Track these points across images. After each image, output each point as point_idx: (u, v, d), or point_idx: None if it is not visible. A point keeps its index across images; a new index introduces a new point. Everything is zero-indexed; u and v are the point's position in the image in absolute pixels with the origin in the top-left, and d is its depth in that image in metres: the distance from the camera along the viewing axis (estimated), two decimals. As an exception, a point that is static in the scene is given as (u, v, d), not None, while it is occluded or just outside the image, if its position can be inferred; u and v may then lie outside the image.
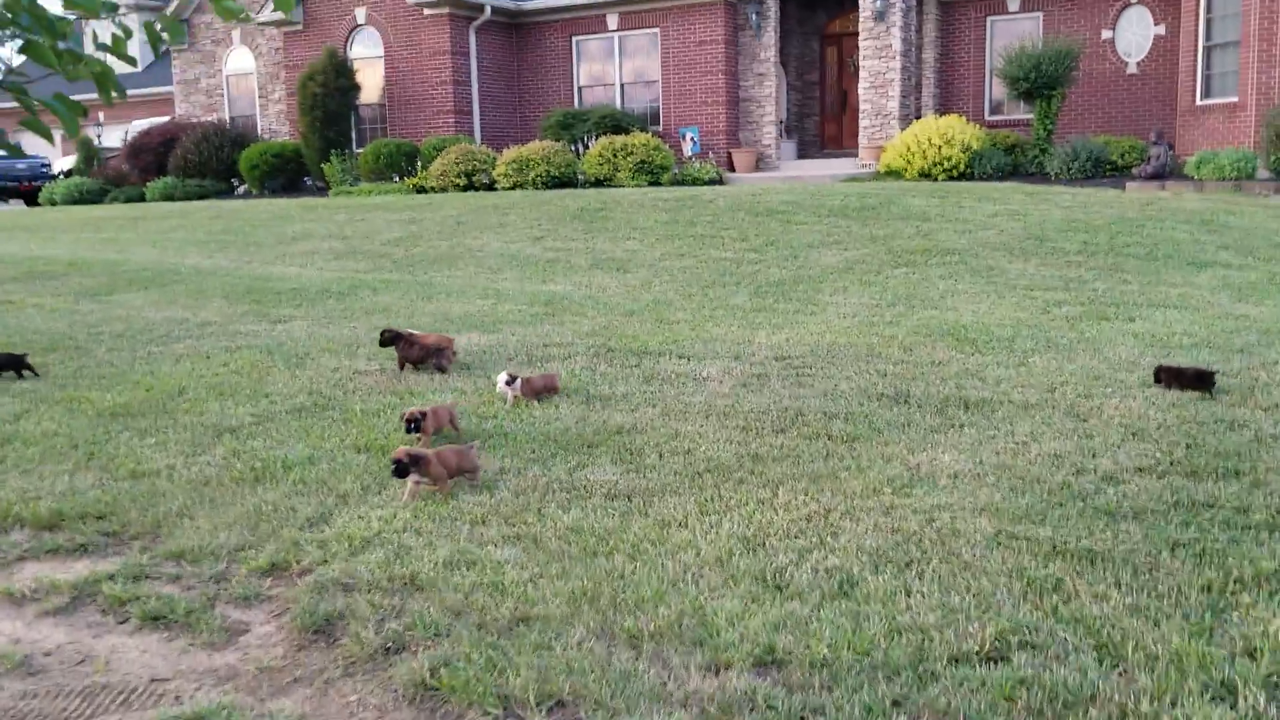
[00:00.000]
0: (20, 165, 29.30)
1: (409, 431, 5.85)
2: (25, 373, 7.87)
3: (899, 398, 6.61)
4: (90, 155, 28.78)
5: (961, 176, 19.68)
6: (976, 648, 3.45)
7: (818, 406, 6.48)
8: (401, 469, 5.06)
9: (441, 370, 7.78)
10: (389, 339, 7.82)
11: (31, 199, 28.08)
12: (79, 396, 7.25)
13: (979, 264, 11.88)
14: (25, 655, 3.81)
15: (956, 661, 3.39)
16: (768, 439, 5.89)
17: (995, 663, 3.39)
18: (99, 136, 32.00)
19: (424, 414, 5.88)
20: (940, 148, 19.81)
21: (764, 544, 4.40)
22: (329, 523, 4.88)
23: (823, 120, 26.37)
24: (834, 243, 13.65)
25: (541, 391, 6.91)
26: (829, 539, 4.42)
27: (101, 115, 37.85)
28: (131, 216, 20.84)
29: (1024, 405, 6.35)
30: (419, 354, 7.81)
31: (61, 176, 29.29)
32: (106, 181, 27.09)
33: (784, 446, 5.73)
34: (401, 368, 7.83)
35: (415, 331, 8.16)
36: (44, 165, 30.19)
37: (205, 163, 25.41)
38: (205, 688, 3.58)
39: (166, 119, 29.82)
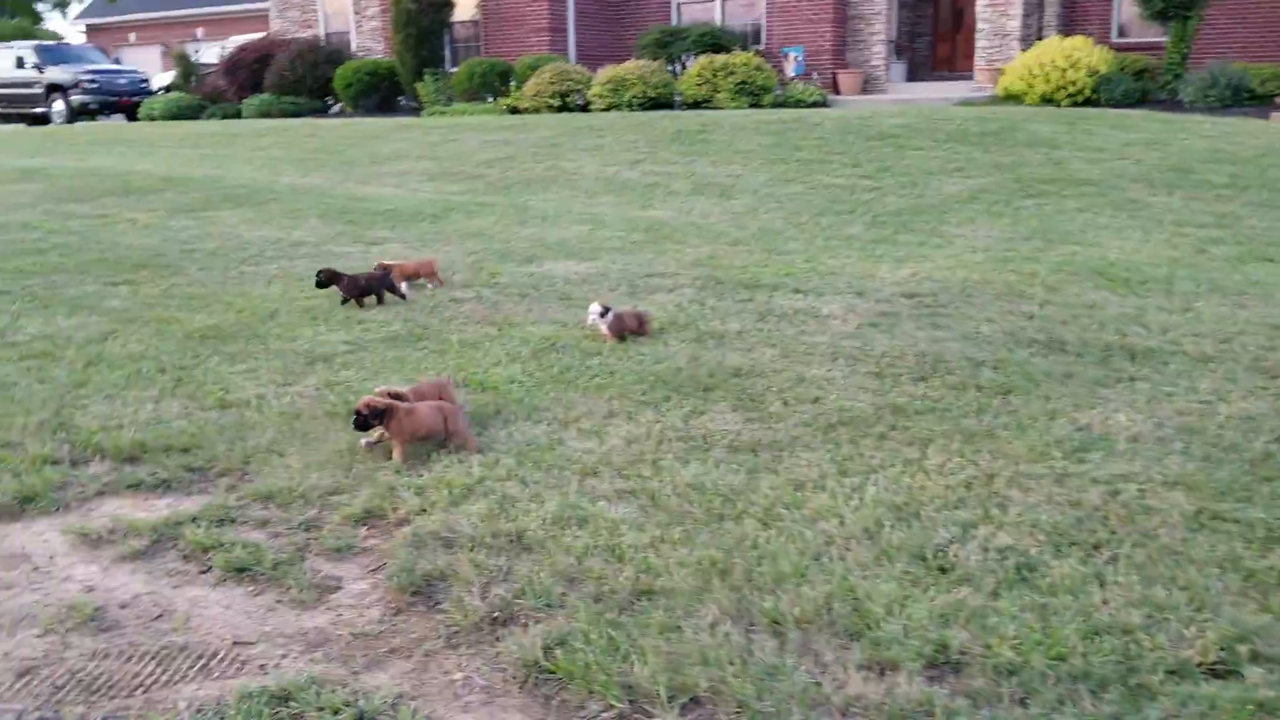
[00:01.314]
0: (121, 80, 29.42)
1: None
2: None
3: (1052, 344, 5.92)
4: (188, 71, 28.75)
5: (1087, 103, 18.42)
6: (1197, 658, 2.87)
7: (960, 351, 5.84)
8: (361, 423, 4.50)
9: (380, 301, 7.28)
10: (325, 280, 7.30)
11: (132, 114, 28.20)
12: (168, 317, 6.94)
13: (1118, 196, 10.95)
14: (98, 607, 3.44)
15: (1175, 675, 2.81)
16: (906, 388, 5.29)
17: (1223, 678, 2.80)
18: (197, 53, 31.97)
19: (400, 394, 4.73)
20: (1065, 71, 18.55)
21: (918, 514, 3.84)
22: (427, 466, 4.45)
23: (935, 40, 25.03)
24: (955, 170, 12.78)
25: (631, 331, 6.33)
26: (995, 511, 3.83)
27: (200, 31, 37.98)
28: (228, 133, 20.69)
29: (1200, 358, 5.62)
30: (364, 286, 7.27)
31: (161, 92, 29.36)
32: (204, 98, 27.04)
33: (927, 397, 5.13)
34: (344, 303, 7.26)
35: (392, 262, 7.75)
36: (143, 80, 30.29)
37: (300, 80, 25.13)
38: (292, 655, 3.18)
39: (262, 35, 29.61)
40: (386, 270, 7.56)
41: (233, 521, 4.03)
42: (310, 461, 4.50)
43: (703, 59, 20.95)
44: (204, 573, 3.70)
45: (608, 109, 20.58)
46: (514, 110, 21.42)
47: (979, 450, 4.42)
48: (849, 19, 23.08)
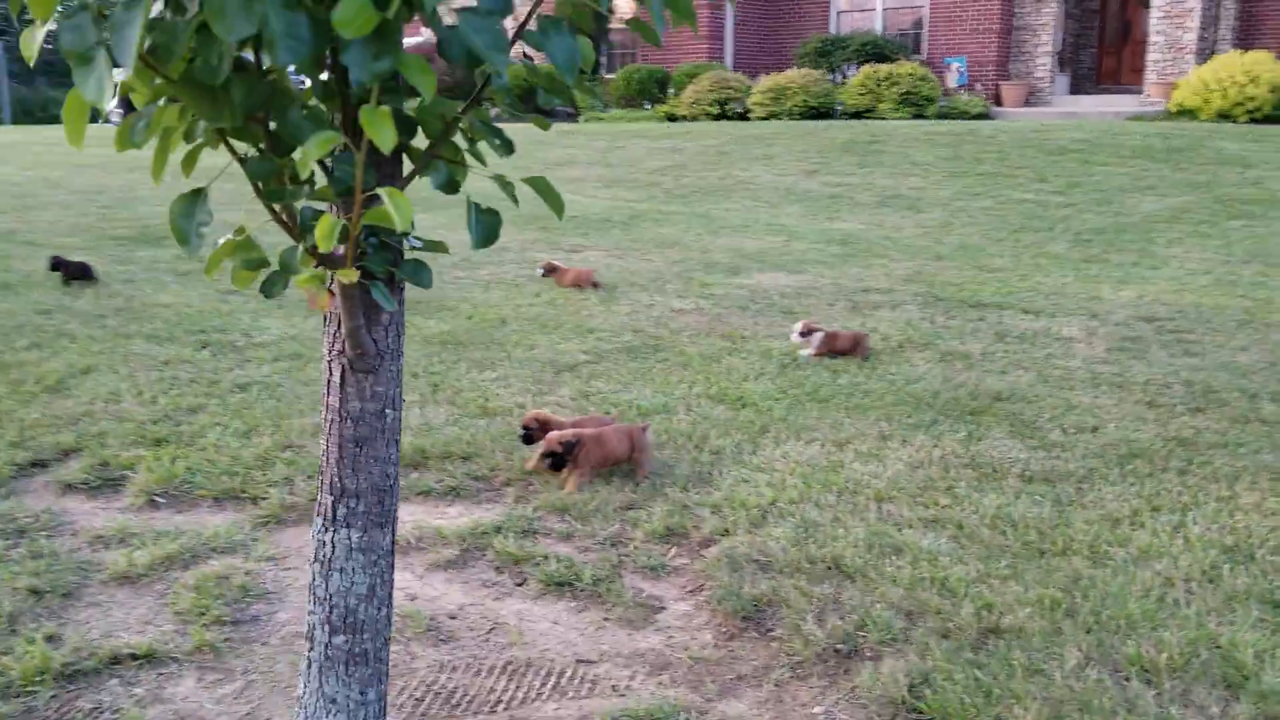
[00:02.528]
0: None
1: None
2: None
3: (1331, 378, 5.64)
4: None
5: (1267, 119, 17.65)
6: None
7: (1228, 382, 5.60)
8: (557, 461, 4.44)
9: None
10: None
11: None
12: (405, 320, 7.11)
13: (1337, 218, 10.41)
14: (430, 617, 3.51)
15: None
16: (1185, 419, 5.08)
17: None
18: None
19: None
20: (1244, 86, 17.80)
21: (1252, 556, 3.67)
22: (712, 484, 4.44)
23: (1100, 53, 24.21)
24: (1147, 187, 12.33)
25: (843, 352, 6.22)
26: (1341, 559, 3.64)
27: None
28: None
29: None
30: None
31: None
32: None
33: (1211, 430, 4.92)
34: None
35: (559, 264, 8.43)
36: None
37: (457, 84, 25.69)
38: (639, 677, 3.18)
39: (421, 39, 30.35)
40: (551, 269, 8.15)
41: (536, 534, 4.08)
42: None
43: (866, 68, 20.70)
44: (520, 585, 3.74)
45: (767, 117, 20.50)
46: (671, 118, 21.51)
47: (1296, 492, 4.21)
48: (1014, 29, 22.51)
